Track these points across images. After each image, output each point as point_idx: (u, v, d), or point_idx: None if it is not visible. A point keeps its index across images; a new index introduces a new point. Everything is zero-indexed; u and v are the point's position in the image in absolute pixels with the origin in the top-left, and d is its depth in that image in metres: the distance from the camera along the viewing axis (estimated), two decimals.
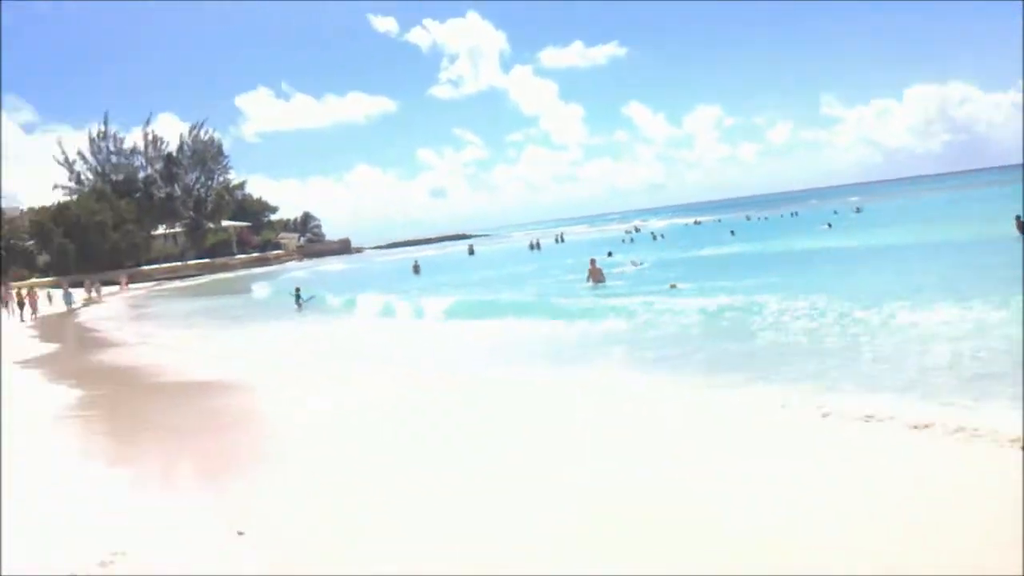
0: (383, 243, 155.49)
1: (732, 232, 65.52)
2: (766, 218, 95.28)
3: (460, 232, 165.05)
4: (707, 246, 53.31)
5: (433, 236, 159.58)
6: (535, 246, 77.47)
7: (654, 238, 74.66)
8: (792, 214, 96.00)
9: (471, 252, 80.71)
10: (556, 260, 53.85)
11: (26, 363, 21.67)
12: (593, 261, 32.45)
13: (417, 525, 6.67)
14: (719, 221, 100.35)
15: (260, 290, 49.32)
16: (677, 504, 6.75)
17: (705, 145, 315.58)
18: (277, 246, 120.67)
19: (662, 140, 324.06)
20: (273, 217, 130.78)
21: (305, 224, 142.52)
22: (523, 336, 19.93)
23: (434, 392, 13.24)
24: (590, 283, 30.76)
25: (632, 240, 74.92)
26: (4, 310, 44.56)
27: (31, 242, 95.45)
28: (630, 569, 5.49)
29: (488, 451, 9.08)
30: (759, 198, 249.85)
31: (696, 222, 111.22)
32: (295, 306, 35.41)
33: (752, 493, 6.82)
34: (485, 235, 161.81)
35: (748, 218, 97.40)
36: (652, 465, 7.90)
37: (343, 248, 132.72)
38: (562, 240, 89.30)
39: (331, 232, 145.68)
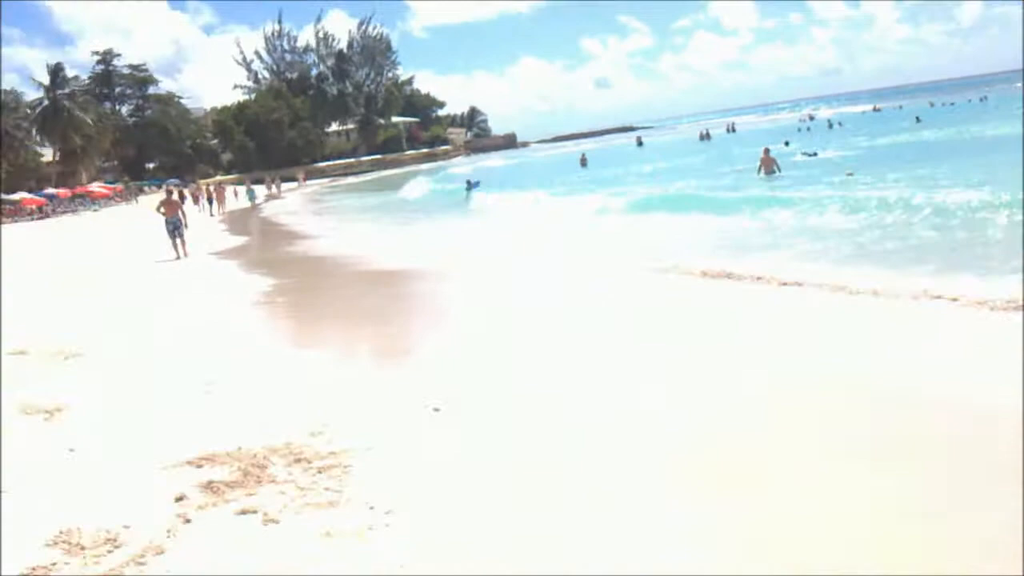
0: (547, 137, 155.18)
1: (918, 119, 61.45)
2: (952, 104, 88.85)
3: (625, 124, 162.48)
4: (889, 134, 50.35)
5: (598, 129, 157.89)
6: (705, 136, 75.32)
7: (830, 126, 71.16)
8: (981, 99, 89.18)
9: (639, 144, 79.50)
10: (728, 150, 52.32)
11: (221, 254, 23.15)
12: (766, 151, 31.42)
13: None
14: (900, 108, 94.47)
15: (429, 186, 50.09)
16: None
17: (885, 26, 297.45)
18: (445, 141, 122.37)
19: (838, 22, 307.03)
20: (440, 112, 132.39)
21: (471, 119, 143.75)
22: (693, 229, 19.52)
23: (600, 286, 13.34)
24: (762, 174, 29.88)
25: (808, 129, 71.75)
26: (195, 206, 47.49)
27: (215, 141, 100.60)
28: None
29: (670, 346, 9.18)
30: (944, 83, 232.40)
31: (875, 109, 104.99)
32: (466, 196, 36.97)
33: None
34: (650, 127, 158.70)
35: (931, 104, 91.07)
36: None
37: (509, 143, 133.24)
38: (733, 130, 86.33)
39: (497, 127, 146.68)
